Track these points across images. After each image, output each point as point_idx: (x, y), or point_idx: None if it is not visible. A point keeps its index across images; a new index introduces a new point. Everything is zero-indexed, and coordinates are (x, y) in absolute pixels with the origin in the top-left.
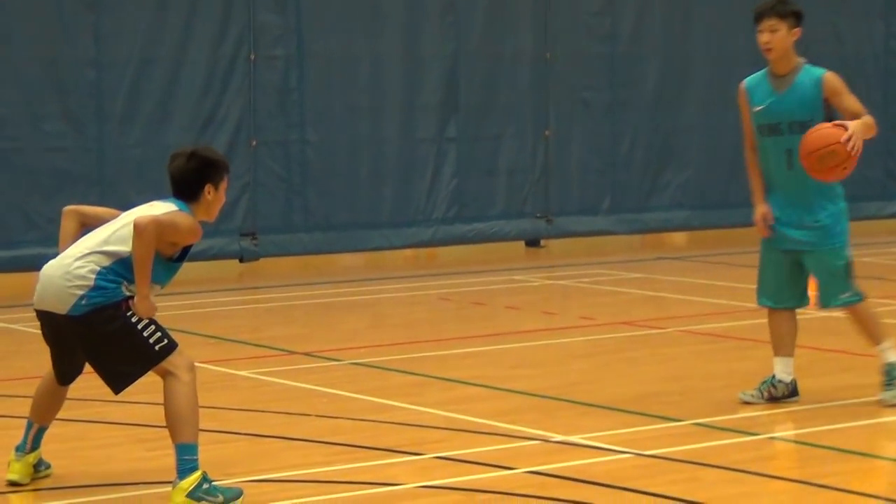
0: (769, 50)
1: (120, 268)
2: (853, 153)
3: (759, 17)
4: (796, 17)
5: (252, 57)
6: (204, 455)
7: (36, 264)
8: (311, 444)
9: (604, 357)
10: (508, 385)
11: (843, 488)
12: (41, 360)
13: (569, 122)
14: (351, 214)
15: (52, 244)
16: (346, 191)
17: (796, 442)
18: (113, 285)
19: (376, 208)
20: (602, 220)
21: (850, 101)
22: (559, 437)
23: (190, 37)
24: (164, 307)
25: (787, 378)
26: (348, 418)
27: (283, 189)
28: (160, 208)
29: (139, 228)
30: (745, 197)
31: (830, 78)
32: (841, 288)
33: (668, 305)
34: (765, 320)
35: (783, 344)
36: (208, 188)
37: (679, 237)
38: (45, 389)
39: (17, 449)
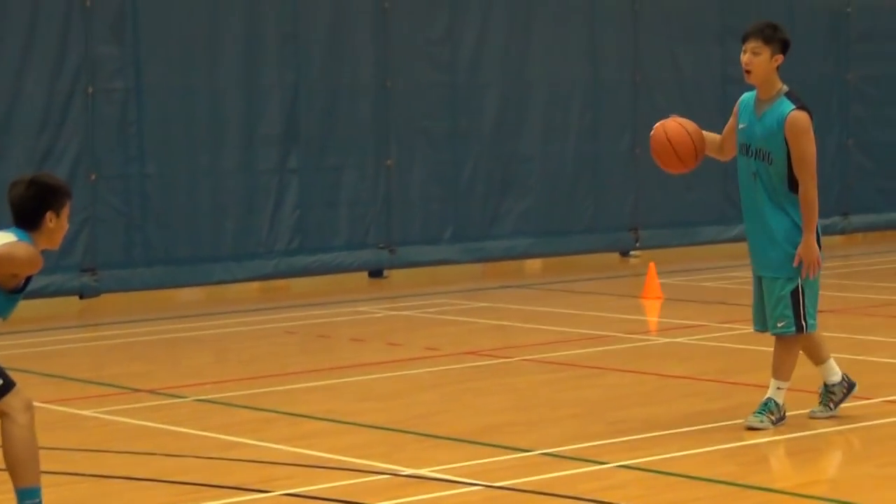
0: (748, 72)
1: None
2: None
3: (745, 38)
4: (782, 45)
5: (90, 90)
6: (48, 497)
7: None
8: (157, 483)
9: (450, 388)
10: (355, 419)
11: None
12: None
13: (410, 152)
14: (192, 248)
15: None
16: (187, 224)
17: (645, 470)
18: None
19: (218, 241)
20: (445, 250)
21: (802, 149)
22: (408, 471)
23: (25, 69)
24: (2, 346)
25: (837, 378)
26: (195, 456)
27: (124, 223)
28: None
29: None
30: (586, 224)
31: (792, 120)
32: (779, 315)
33: (513, 334)
34: (606, 347)
35: (811, 355)
36: (49, 216)
37: (521, 265)
38: None
39: None
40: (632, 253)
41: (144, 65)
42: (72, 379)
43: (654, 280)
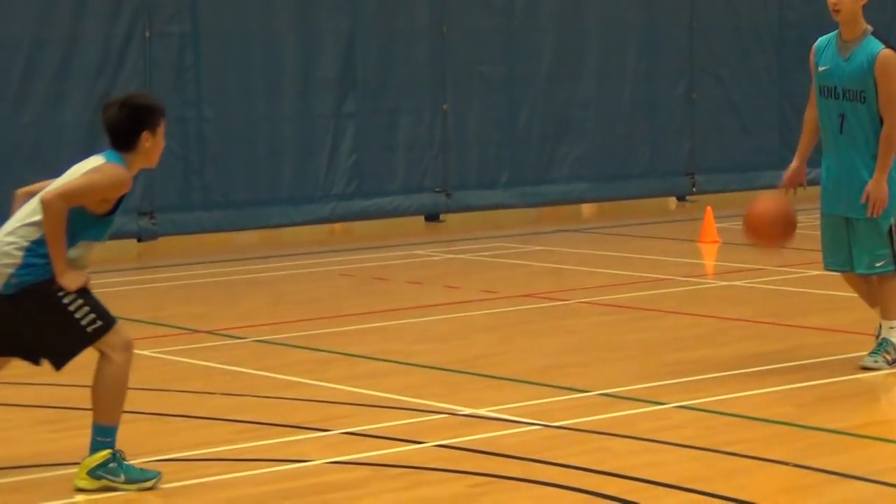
0: (837, 11)
1: None
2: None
3: None
4: None
5: (147, 34)
6: None
7: None
8: (215, 422)
9: (507, 330)
10: (412, 360)
11: (750, 455)
12: None
13: (466, 97)
14: (249, 192)
15: None
16: (244, 168)
17: (703, 410)
18: (42, 261)
19: (275, 185)
20: (501, 194)
21: (890, 89)
22: (466, 411)
23: (83, 13)
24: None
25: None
26: (253, 395)
27: (181, 167)
28: (88, 161)
29: (45, 205)
30: (642, 169)
31: (883, 59)
32: (878, 256)
33: (568, 277)
34: (663, 290)
35: (873, 303)
36: (145, 135)
37: (577, 210)
38: None
39: None
40: (689, 197)
41: (201, 9)
42: (131, 320)
43: (710, 224)
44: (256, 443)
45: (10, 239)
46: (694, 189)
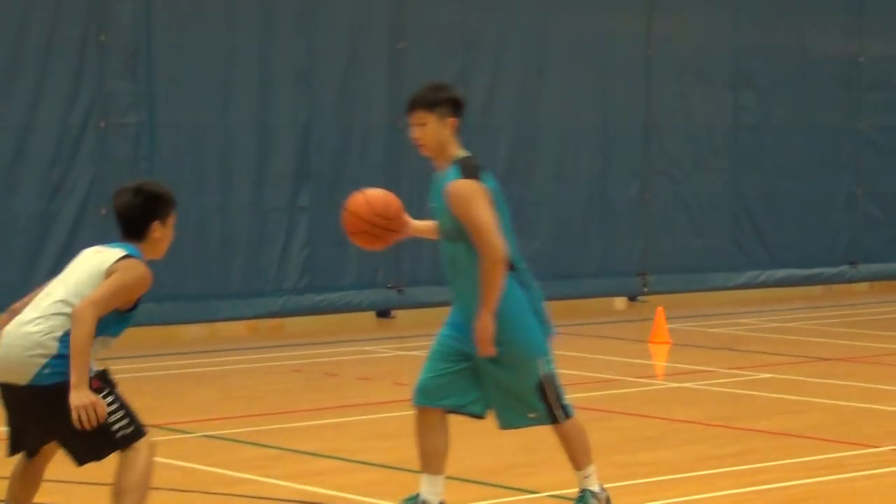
0: (421, 146)
1: None
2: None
3: (408, 110)
4: (451, 105)
5: (102, 125)
6: None
7: None
8: None
9: (456, 429)
10: (362, 457)
11: None
12: None
13: (420, 192)
14: (200, 285)
15: None
16: (196, 261)
17: None
18: None
19: (226, 279)
20: None
21: (472, 225)
22: None
23: (39, 103)
24: None
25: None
26: (200, 491)
27: None
28: (108, 255)
29: (78, 318)
30: (594, 268)
31: (448, 191)
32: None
33: None
34: (614, 391)
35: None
36: (155, 225)
37: None
38: (16, 472)
39: None
40: (640, 298)
41: (157, 101)
42: None
43: (662, 325)
44: None
45: (40, 328)
46: (646, 289)
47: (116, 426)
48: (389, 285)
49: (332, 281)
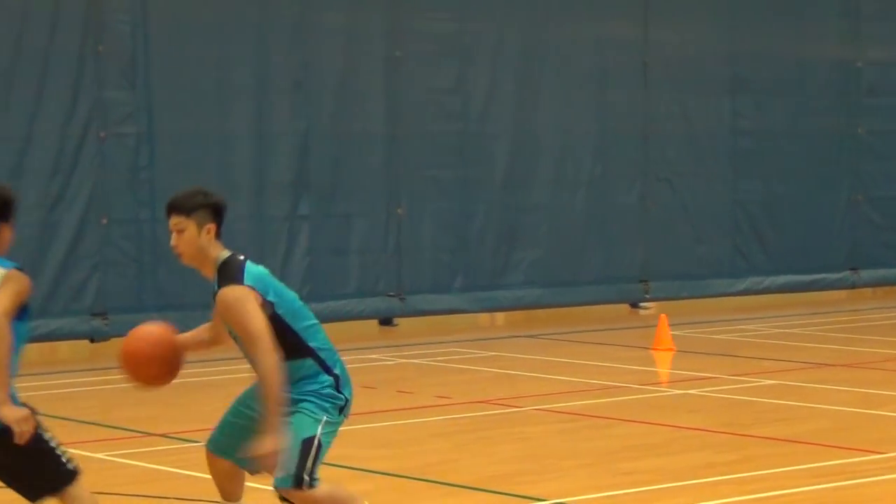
0: (179, 255)
1: None
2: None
3: (167, 213)
4: (211, 211)
5: (101, 135)
6: None
7: None
8: None
9: (461, 436)
10: (365, 465)
11: None
12: None
13: (420, 201)
14: (202, 293)
15: None
16: (197, 271)
17: None
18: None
19: None
20: (454, 299)
21: (240, 334)
22: None
23: (38, 114)
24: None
25: None
26: (205, 500)
27: (134, 268)
28: None
29: None
30: (595, 276)
31: (218, 302)
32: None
33: (523, 384)
34: (617, 398)
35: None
36: (3, 227)
37: (531, 315)
38: None
39: None
40: (642, 305)
41: (156, 110)
42: (82, 421)
43: (664, 331)
44: None
45: None
46: (647, 296)
47: (64, 458)
48: (391, 293)
49: (333, 289)
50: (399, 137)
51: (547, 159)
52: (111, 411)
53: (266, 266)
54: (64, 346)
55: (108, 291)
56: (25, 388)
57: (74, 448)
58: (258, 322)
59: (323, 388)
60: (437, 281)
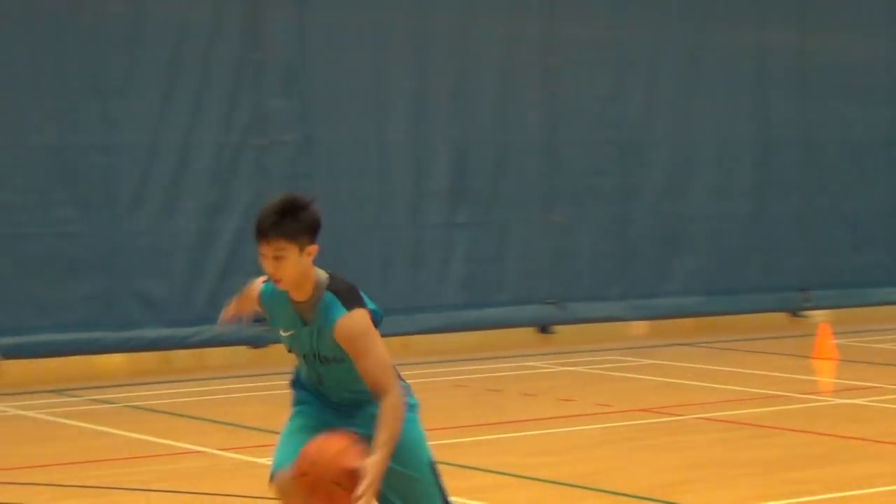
0: (278, 280)
1: None
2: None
3: (258, 236)
4: (312, 233)
5: (260, 143)
6: None
7: (46, 350)
8: None
9: (623, 445)
10: (527, 473)
11: None
12: (53, 447)
13: (578, 208)
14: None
15: (62, 330)
16: (356, 277)
17: None
18: None
19: (386, 295)
20: (613, 307)
21: (370, 364)
22: None
23: (197, 123)
24: (176, 393)
25: None
26: None
27: None
28: None
29: None
30: (754, 283)
31: (343, 327)
32: None
33: (684, 392)
34: (780, 407)
35: None
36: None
37: (686, 323)
38: None
39: None
40: (804, 313)
41: (314, 118)
42: (246, 427)
43: (825, 340)
44: None
45: None
46: (807, 304)
47: None
48: (549, 300)
49: (491, 297)
50: (556, 145)
51: (706, 167)
52: (274, 417)
53: (424, 274)
54: (226, 352)
55: None
56: (188, 392)
57: (237, 453)
58: (386, 351)
59: (411, 399)
60: (595, 289)
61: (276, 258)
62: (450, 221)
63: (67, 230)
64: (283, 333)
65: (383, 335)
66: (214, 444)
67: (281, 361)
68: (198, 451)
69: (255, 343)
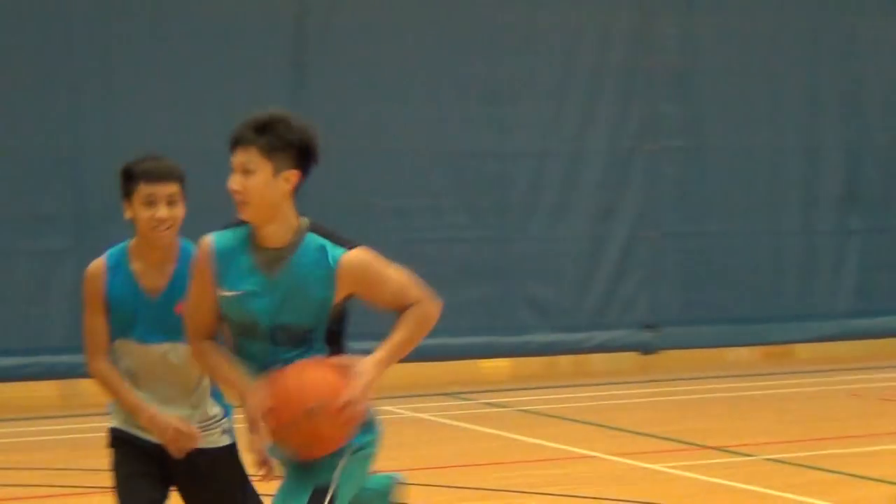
0: (241, 203)
1: None
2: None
3: (230, 145)
4: (294, 154)
5: (651, 148)
6: None
7: (439, 354)
8: None
9: None
10: None
11: None
12: (448, 449)
13: None
14: (752, 307)
15: (454, 334)
16: (747, 283)
17: None
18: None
19: (778, 301)
20: None
21: (394, 285)
22: None
23: (588, 128)
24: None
25: None
26: None
27: (685, 281)
28: None
29: None
30: None
31: (353, 259)
32: None
33: None
34: None
35: None
36: (126, 205)
37: None
38: None
39: None
40: None
41: (705, 123)
42: (638, 433)
43: None
44: None
45: None
46: None
47: None
48: None
49: (888, 305)
50: None
51: None
52: (666, 423)
53: (816, 281)
54: (617, 357)
55: (659, 304)
56: (578, 398)
57: (632, 459)
58: (398, 267)
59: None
60: None
61: (245, 172)
62: (842, 228)
63: (460, 236)
64: (226, 293)
65: (771, 342)
66: (602, 449)
67: (672, 367)
68: (588, 456)
69: (645, 349)
